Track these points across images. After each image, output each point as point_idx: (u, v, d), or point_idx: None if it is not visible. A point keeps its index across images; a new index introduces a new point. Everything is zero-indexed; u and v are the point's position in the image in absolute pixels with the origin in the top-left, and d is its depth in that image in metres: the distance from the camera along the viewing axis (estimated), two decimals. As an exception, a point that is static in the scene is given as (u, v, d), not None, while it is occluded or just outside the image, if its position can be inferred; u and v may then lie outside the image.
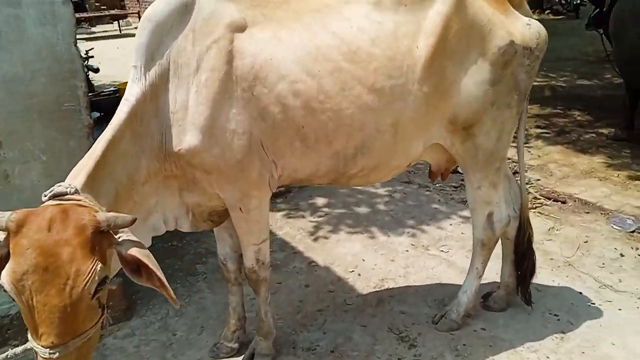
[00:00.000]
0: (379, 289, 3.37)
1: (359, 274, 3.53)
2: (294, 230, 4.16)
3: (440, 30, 2.24)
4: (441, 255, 3.73)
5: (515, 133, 2.69)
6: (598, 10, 5.86)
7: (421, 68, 2.24)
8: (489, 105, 2.38)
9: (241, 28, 2.13)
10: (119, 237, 1.58)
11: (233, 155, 2.14)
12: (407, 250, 3.80)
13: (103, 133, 1.93)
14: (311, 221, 4.30)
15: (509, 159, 5.52)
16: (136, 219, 1.59)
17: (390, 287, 3.39)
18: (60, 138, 2.67)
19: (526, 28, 2.39)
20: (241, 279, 2.75)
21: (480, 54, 2.31)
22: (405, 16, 2.25)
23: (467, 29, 2.28)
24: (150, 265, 1.54)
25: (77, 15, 10.36)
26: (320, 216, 4.38)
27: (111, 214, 1.58)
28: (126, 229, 1.59)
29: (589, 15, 6.27)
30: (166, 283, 1.57)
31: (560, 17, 15.24)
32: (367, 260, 3.69)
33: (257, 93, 2.12)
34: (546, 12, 15.68)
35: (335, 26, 2.21)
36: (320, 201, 4.62)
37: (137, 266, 1.60)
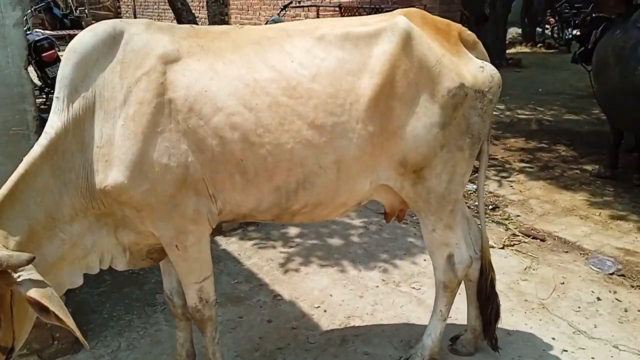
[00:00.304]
0: (344, 327, 3.22)
1: (325, 310, 3.39)
2: (262, 260, 4.02)
3: (387, 69, 2.17)
4: (412, 292, 3.60)
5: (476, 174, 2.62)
6: (583, 48, 5.84)
7: (366, 107, 2.17)
8: (439, 148, 2.30)
9: (174, 59, 2.08)
10: (19, 277, 1.46)
11: (165, 190, 2.05)
12: (377, 286, 3.67)
13: (18, 167, 1.83)
14: (282, 252, 4.16)
15: (490, 192, 5.48)
16: (34, 257, 1.49)
17: (357, 325, 3.24)
18: (7, 163, 2.54)
19: (479, 71, 2.32)
20: (189, 314, 2.60)
21: (430, 97, 2.24)
22: (350, 53, 2.19)
23: (415, 70, 2.22)
24: (51, 307, 1.43)
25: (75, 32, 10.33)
26: (292, 247, 4.24)
27: (4, 252, 1.46)
28: (28, 267, 1.47)
29: (574, 52, 6.25)
30: (71, 324, 1.46)
31: (552, 50, 15.35)
32: (334, 296, 3.54)
33: (193, 125, 2.04)
34: (538, 45, 15.79)
35: (275, 60, 2.16)
36: (292, 231, 4.49)
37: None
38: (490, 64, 2.38)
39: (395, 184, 2.38)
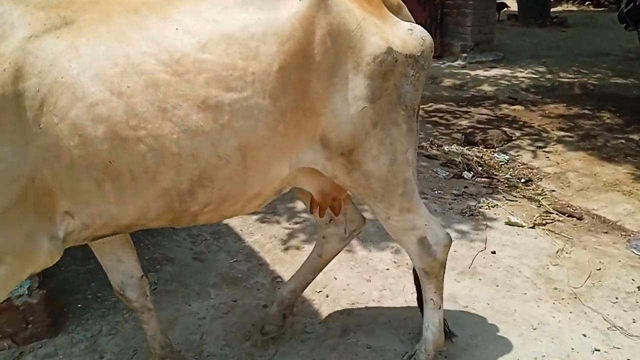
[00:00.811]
0: (347, 315, 2.91)
1: (327, 295, 3.08)
2: (265, 238, 3.73)
3: (299, 35, 1.81)
4: (426, 276, 3.24)
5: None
6: (632, 4, 5.17)
7: (273, 78, 1.80)
8: (370, 126, 1.97)
9: (25, 37, 1.62)
10: None
11: None
12: (388, 269, 3.33)
13: None
14: (286, 228, 3.85)
15: (523, 164, 5.01)
16: None
17: (361, 313, 2.93)
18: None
19: (407, 34, 2.03)
20: (149, 304, 2.34)
21: (353, 66, 1.91)
22: (254, 14, 1.80)
23: (333, 35, 1.87)
24: None
25: None
26: (297, 222, 3.93)
27: None
28: None
29: (620, 9, 5.56)
30: None
31: (601, 8, 14.29)
32: (339, 279, 3.22)
33: (45, 125, 1.61)
34: (586, 3, 14.73)
35: (155, 29, 1.73)
36: (300, 205, 4.16)
37: None
38: (419, 26, 2.11)
39: (324, 169, 2.04)
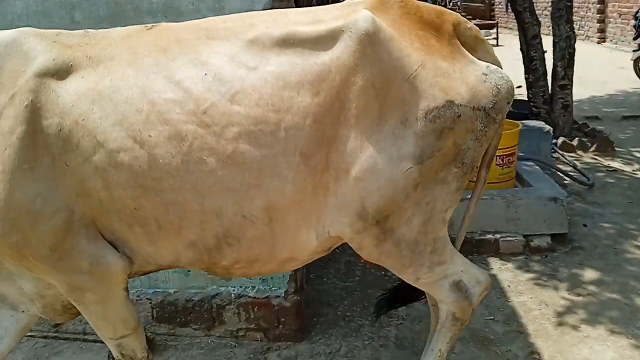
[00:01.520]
0: None
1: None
2: (534, 302, 3.21)
3: (336, 85, 1.61)
4: None
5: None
6: None
7: (306, 134, 1.62)
8: (411, 189, 1.70)
9: (50, 75, 1.62)
10: None
11: (42, 242, 1.66)
12: None
13: None
14: (564, 297, 3.24)
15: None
16: None
17: None
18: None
19: (479, 80, 1.69)
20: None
21: (401, 121, 1.64)
22: (291, 61, 1.62)
23: (378, 85, 1.63)
24: None
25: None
26: (580, 294, 3.26)
27: None
28: None
29: None
30: None
31: None
32: None
33: (71, 164, 1.62)
34: None
35: (183, 73, 1.62)
36: (589, 274, 3.46)
37: None
38: (499, 68, 1.76)
39: (352, 240, 1.81)
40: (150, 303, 2.90)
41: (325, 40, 1.65)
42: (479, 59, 1.75)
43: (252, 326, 2.90)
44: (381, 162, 1.66)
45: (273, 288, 2.86)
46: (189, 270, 2.87)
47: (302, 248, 1.82)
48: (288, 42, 1.66)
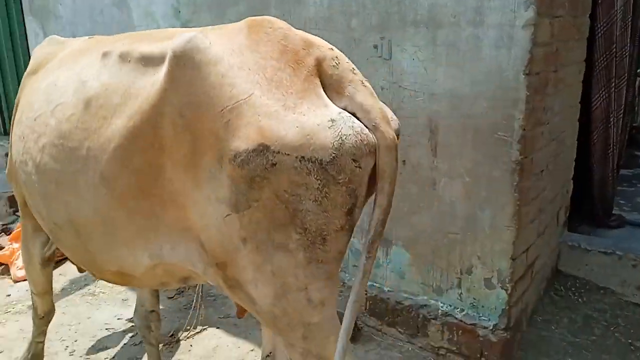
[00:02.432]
0: None
1: None
2: None
3: (147, 110, 1.46)
4: None
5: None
6: None
7: (110, 158, 1.55)
8: (239, 241, 1.40)
9: (33, 71, 2.08)
10: None
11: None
12: None
13: None
14: None
15: None
16: None
17: None
18: (485, 164, 2.49)
19: (321, 128, 1.29)
20: (151, 338, 2.59)
21: (217, 159, 1.37)
22: (121, 79, 1.57)
23: (189, 115, 1.39)
24: None
25: None
26: None
27: None
28: None
29: None
30: None
31: None
32: None
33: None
34: None
35: (50, 80, 1.87)
36: None
37: None
38: (358, 121, 1.35)
39: (205, 274, 1.59)
40: (366, 295, 3.10)
41: (155, 61, 1.52)
42: (344, 104, 1.37)
43: (454, 349, 2.82)
44: (201, 201, 1.45)
45: (482, 317, 2.72)
46: (404, 274, 2.95)
47: (132, 265, 1.73)
48: (125, 60, 1.59)
